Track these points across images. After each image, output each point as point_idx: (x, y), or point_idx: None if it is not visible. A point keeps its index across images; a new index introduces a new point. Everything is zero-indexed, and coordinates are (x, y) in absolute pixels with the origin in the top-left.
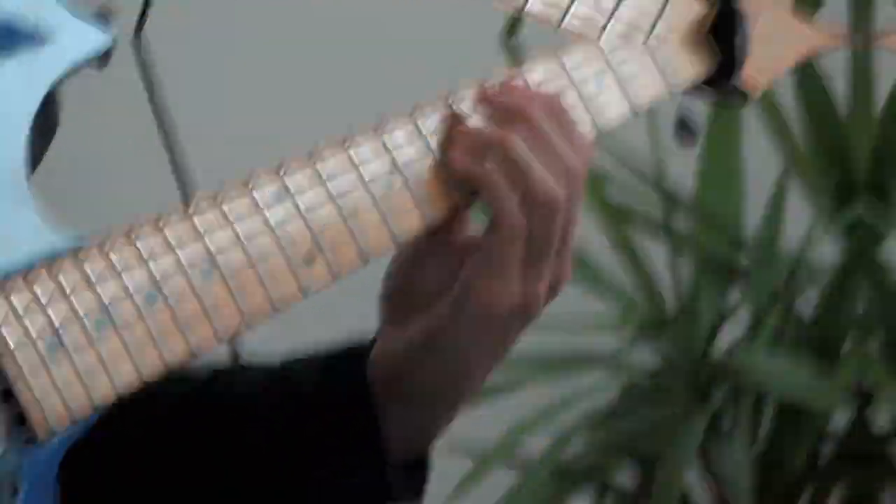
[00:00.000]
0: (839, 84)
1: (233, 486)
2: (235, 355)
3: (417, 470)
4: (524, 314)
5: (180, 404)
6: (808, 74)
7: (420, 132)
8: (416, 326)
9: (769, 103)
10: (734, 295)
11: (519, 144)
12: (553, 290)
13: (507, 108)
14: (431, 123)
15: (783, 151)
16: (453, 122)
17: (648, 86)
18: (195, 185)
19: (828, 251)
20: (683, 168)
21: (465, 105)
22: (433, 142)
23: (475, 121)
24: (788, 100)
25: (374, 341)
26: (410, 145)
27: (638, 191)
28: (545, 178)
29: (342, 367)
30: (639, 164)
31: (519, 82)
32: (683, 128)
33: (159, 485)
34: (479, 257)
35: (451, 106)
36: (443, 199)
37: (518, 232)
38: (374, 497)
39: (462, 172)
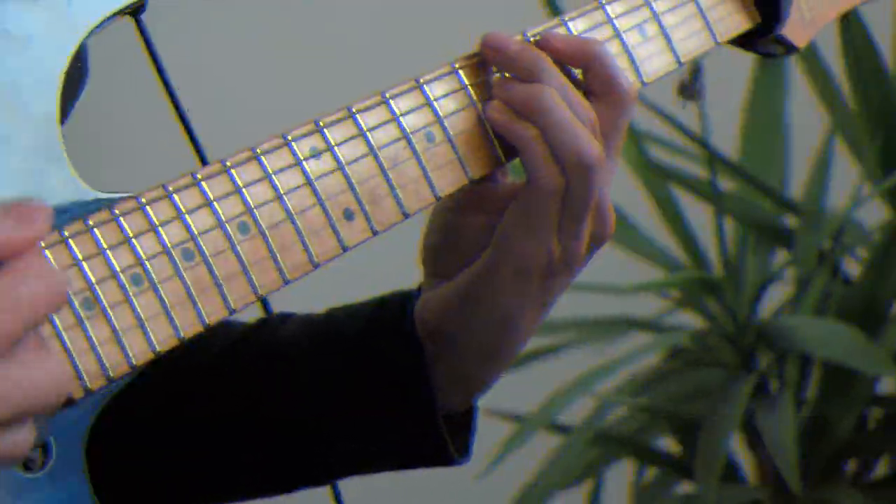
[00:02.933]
0: (886, 42)
1: (277, 435)
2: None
3: (464, 424)
4: (562, 270)
5: (224, 353)
6: (854, 32)
7: (461, 83)
8: (457, 279)
9: (814, 62)
10: (779, 257)
11: (554, 104)
12: (593, 247)
13: (529, 66)
14: (471, 75)
15: (829, 111)
16: (490, 74)
17: (692, 36)
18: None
19: (874, 213)
20: (727, 127)
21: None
22: (474, 93)
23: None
24: (834, 58)
25: (418, 292)
26: (451, 97)
27: (681, 150)
28: (581, 138)
29: (387, 316)
30: (682, 122)
31: (558, 33)
32: (688, 82)
33: (198, 437)
34: (516, 213)
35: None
36: (484, 152)
37: (554, 190)
38: (422, 445)
39: (500, 130)
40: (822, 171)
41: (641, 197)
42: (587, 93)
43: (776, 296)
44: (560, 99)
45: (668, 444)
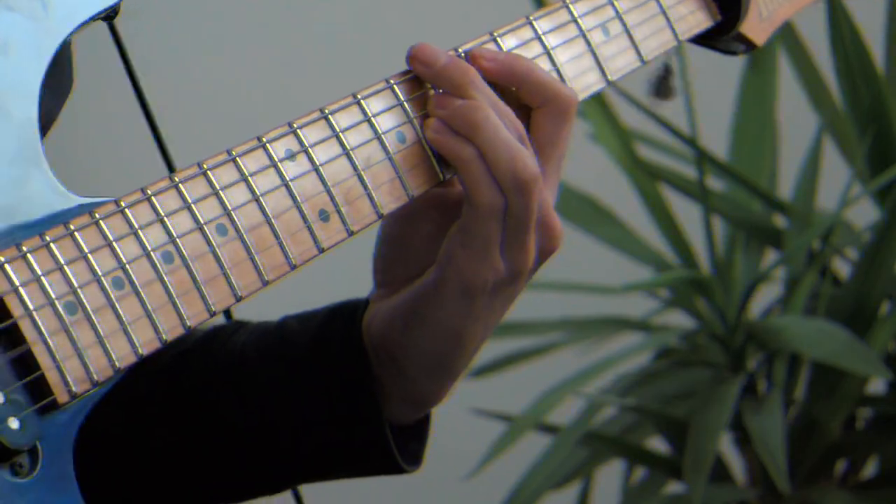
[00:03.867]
0: (876, 41)
1: (229, 442)
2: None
3: (415, 435)
4: (508, 286)
5: (178, 360)
6: (844, 31)
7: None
8: (402, 295)
9: (804, 61)
10: (769, 257)
11: (488, 121)
12: (541, 260)
13: (457, 80)
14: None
15: (819, 111)
16: (426, 89)
17: (655, 34)
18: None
19: (864, 213)
20: (717, 127)
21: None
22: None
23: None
24: (824, 58)
25: (366, 304)
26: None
27: (671, 149)
28: (517, 156)
29: (337, 327)
30: (672, 121)
31: (486, 50)
32: (661, 82)
33: (158, 441)
34: (459, 232)
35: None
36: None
37: (493, 209)
38: (370, 454)
39: (438, 148)
40: (812, 171)
41: (631, 196)
42: (525, 107)
43: (765, 296)
44: (494, 116)
45: (657, 443)
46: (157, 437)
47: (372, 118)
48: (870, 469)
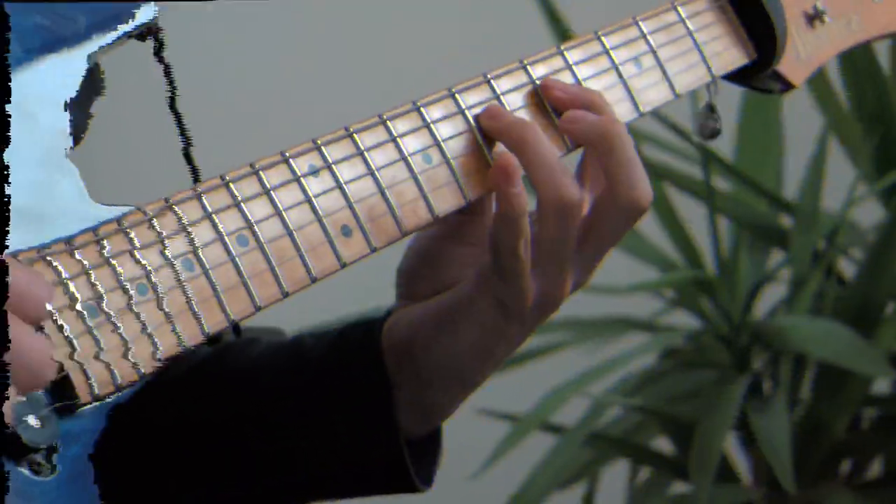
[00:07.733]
0: (883, 42)
1: (242, 455)
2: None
3: (429, 449)
4: (542, 310)
5: (190, 375)
6: None
7: (460, 108)
8: (434, 302)
9: None
10: (774, 257)
11: (537, 140)
12: (575, 287)
13: (509, 134)
14: (471, 100)
15: (824, 111)
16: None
17: (689, 70)
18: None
19: (869, 213)
20: (723, 127)
21: (504, 84)
22: (472, 119)
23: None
24: (830, 58)
25: (388, 314)
26: (449, 121)
27: (676, 150)
28: (562, 178)
29: (355, 337)
30: (677, 121)
31: (558, 81)
32: (705, 122)
33: (172, 452)
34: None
35: (489, 88)
36: (481, 175)
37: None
38: (384, 471)
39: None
40: (817, 172)
41: None
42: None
43: (771, 296)
44: (545, 138)
45: (663, 444)
46: (167, 449)
47: (397, 139)
48: (875, 469)
